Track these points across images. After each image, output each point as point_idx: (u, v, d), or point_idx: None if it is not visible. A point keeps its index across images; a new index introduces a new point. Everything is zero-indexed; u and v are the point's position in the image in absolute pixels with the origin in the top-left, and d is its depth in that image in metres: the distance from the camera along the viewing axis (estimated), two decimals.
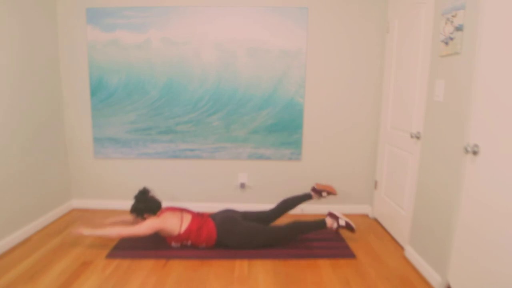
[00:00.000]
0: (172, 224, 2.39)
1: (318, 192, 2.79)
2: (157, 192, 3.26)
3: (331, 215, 2.62)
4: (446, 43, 1.97)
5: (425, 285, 2.07)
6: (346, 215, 3.24)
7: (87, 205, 3.31)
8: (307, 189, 3.25)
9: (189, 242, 2.45)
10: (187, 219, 2.45)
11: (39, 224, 2.79)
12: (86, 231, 2.36)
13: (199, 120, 3.13)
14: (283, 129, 3.14)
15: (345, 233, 2.81)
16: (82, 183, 3.28)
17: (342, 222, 2.57)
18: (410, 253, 2.37)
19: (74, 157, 3.24)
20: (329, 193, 2.78)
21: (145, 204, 2.46)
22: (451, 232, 1.91)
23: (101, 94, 3.11)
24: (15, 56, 2.52)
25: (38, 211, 2.80)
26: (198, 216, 2.50)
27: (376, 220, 3.14)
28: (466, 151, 1.75)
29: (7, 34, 2.43)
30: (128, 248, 2.47)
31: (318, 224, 2.54)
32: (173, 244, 2.46)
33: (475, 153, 1.71)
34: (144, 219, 2.47)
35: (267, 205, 3.26)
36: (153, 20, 2.99)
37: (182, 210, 2.53)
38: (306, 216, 3.20)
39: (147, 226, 2.33)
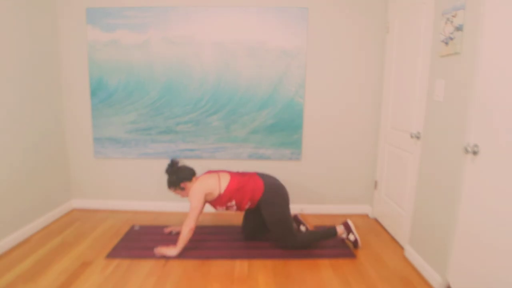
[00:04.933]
0: (211, 184, 2.35)
1: (298, 222, 2.75)
2: (157, 191, 3.27)
3: (346, 226, 2.54)
4: (446, 43, 1.97)
5: (425, 285, 2.07)
6: (346, 215, 3.24)
7: (87, 205, 3.31)
8: (307, 189, 3.25)
9: (233, 203, 2.39)
10: (225, 179, 2.40)
11: (39, 224, 2.79)
12: (172, 252, 2.35)
13: (199, 120, 3.13)
14: (283, 129, 3.14)
15: None
16: (82, 183, 3.28)
17: (351, 238, 2.51)
18: (410, 253, 2.37)
19: (74, 157, 3.24)
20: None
21: (177, 175, 2.43)
22: (451, 232, 1.91)
23: (101, 94, 3.11)
24: (16, 56, 2.52)
25: (38, 211, 2.80)
26: (238, 175, 2.45)
27: (376, 220, 3.14)
28: (466, 151, 1.75)
29: (7, 34, 2.43)
30: (128, 248, 2.47)
31: (329, 233, 2.50)
32: (218, 208, 2.42)
33: (475, 153, 1.72)
34: (182, 189, 2.44)
35: None
36: (153, 20, 2.99)
37: (218, 172, 2.50)
38: (305, 215, 3.21)
39: (194, 197, 2.30)
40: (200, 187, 2.34)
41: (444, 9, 2.02)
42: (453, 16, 1.90)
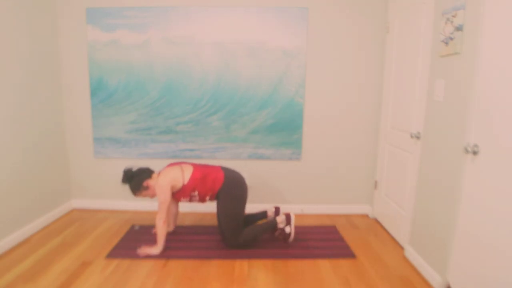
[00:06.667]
0: (175, 175, 2.37)
1: (277, 212, 2.73)
2: None
3: (288, 217, 2.56)
4: (446, 43, 1.97)
5: (425, 285, 2.07)
6: (346, 215, 3.24)
7: (87, 205, 3.31)
8: (307, 189, 3.25)
9: (196, 193, 2.41)
10: (188, 170, 2.42)
11: (39, 224, 2.79)
12: (154, 250, 2.38)
13: (199, 120, 3.13)
14: (283, 129, 3.14)
15: (345, 233, 2.81)
16: (82, 183, 3.28)
17: (287, 230, 2.53)
18: (410, 253, 2.37)
19: (74, 157, 3.24)
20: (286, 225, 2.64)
21: (137, 178, 2.42)
22: (451, 232, 1.91)
23: (101, 94, 3.11)
24: (16, 56, 2.52)
25: (38, 211, 2.80)
26: (200, 166, 2.49)
27: (376, 220, 3.14)
28: (466, 151, 1.75)
29: (7, 34, 2.43)
30: (128, 248, 2.47)
31: (271, 226, 2.54)
32: (182, 199, 2.45)
33: (475, 153, 1.72)
34: (146, 188, 2.43)
35: (267, 205, 3.27)
36: (153, 20, 2.99)
37: (180, 163, 2.51)
38: (305, 215, 3.21)
39: (161, 191, 2.31)
40: (165, 181, 2.34)
41: (444, 9, 2.02)
42: (453, 16, 1.90)
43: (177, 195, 2.43)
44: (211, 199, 2.49)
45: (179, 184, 2.38)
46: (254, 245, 2.53)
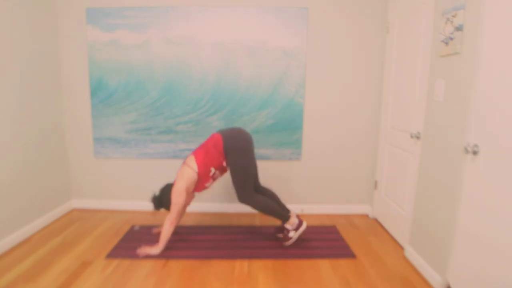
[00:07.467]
0: (187, 173, 2.39)
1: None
2: None
3: (299, 223, 2.54)
4: (446, 43, 1.97)
5: (425, 285, 2.07)
6: (346, 215, 3.24)
7: (87, 205, 3.31)
8: (307, 189, 3.25)
9: (213, 170, 2.42)
10: (191, 159, 2.44)
11: (39, 224, 2.79)
12: (154, 250, 2.39)
13: (199, 120, 3.13)
14: (283, 129, 3.14)
15: (345, 233, 2.81)
16: (82, 183, 3.28)
17: (291, 234, 2.53)
18: (410, 253, 2.37)
19: (74, 157, 3.24)
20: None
21: (165, 198, 2.46)
22: (451, 232, 1.92)
23: (101, 94, 3.11)
24: (16, 56, 2.52)
25: (38, 211, 2.80)
26: (198, 148, 2.49)
27: (376, 220, 3.14)
28: (466, 151, 1.75)
29: (7, 34, 2.43)
30: (128, 248, 2.47)
31: (283, 217, 2.52)
32: (206, 185, 2.48)
33: (475, 153, 1.72)
34: None
35: None
36: (153, 20, 2.99)
37: (184, 161, 2.52)
38: (306, 215, 3.21)
39: (176, 194, 2.35)
40: (179, 185, 2.36)
41: (444, 9, 2.02)
42: (453, 16, 1.90)
43: (200, 185, 2.45)
44: (227, 162, 2.46)
45: (195, 176, 2.39)
46: (254, 245, 2.54)
